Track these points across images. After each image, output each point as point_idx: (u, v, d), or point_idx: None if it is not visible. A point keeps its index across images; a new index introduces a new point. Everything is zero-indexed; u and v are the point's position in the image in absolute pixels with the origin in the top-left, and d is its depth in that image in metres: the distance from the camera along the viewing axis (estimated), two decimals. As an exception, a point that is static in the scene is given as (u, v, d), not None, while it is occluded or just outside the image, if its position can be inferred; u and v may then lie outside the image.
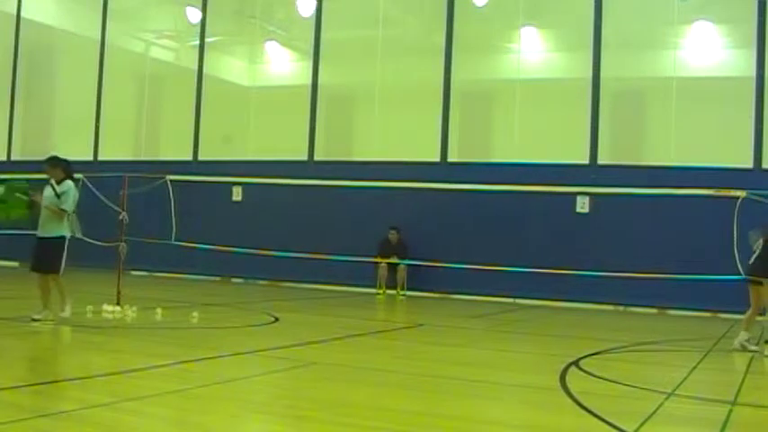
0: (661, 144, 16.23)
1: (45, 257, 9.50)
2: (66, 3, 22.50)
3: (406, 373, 7.32)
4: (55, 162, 9.69)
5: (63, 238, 9.52)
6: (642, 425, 5.43)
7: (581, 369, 7.70)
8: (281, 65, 21.39)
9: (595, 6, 16.16)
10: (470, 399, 6.31)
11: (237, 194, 18.89)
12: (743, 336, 9.58)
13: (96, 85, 20.79)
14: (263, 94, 20.56)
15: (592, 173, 15.81)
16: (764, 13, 15.09)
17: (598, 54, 16.07)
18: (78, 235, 9.87)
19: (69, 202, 9.54)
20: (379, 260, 16.34)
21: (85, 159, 19.93)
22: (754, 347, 9.50)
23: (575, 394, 6.33)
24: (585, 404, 5.93)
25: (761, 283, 9.49)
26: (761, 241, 9.57)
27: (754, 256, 9.66)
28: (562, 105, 16.78)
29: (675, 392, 6.82)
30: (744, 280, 9.89)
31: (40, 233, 9.54)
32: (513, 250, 15.77)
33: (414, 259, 16.18)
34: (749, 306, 9.61)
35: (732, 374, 8.50)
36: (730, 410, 6.14)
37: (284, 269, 17.35)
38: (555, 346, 10.29)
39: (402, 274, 16.41)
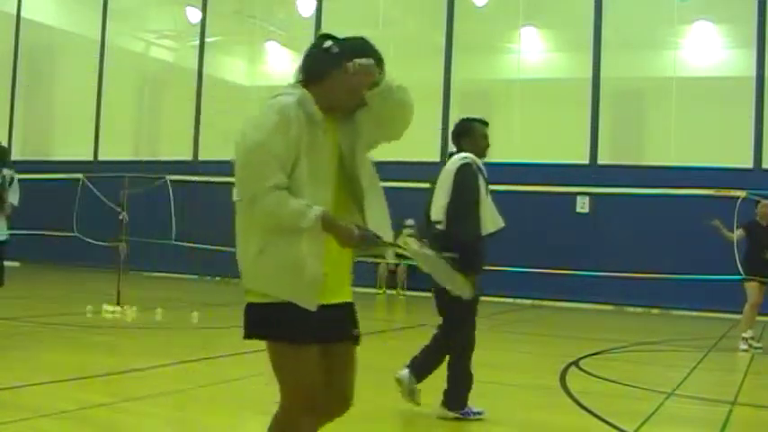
0: (661, 144, 16.22)
1: None
2: (66, 3, 22.49)
3: (406, 373, 7.30)
4: None
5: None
6: (642, 425, 5.43)
7: (581, 369, 7.70)
8: (281, 65, 21.37)
9: (595, 6, 16.14)
10: (471, 399, 6.31)
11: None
12: (748, 333, 9.81)
13: (96, 85, 20.75)
14: (263, 94, 20.54)
15: (592, 173, 15.79)
16: (764, 13, 15.08)
17: (598, 54, 16.05)
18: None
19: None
20: (379, 260, 16.32)
21: (85, 159, 19.94)
22: (758, 345, 9.83)
23: (575, 394, 6.33)
24: (585, 404, 5.94)
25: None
26: None
27: None
28: (562, 105, 16.76)
29: (675, 392, 6.82)
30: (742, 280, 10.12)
31: None
32: (513, 250, 15.69)
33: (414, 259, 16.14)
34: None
35: (732, 374, 8.51)
36: (730, 410, 6.14)
37: (284, 269, 17.28)
38: (555, 346, 10.29)
39: (402, 274, 16.40)
